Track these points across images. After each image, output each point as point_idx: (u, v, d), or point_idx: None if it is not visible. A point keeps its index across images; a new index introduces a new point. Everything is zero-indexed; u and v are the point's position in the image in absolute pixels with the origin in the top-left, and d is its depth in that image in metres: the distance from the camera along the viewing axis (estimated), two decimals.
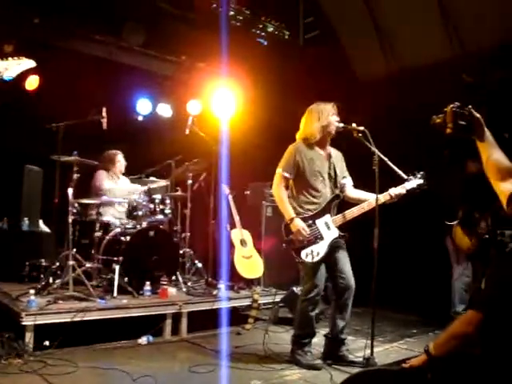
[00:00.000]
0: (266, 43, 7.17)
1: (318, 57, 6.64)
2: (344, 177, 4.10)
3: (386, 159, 3.80)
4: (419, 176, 3.92)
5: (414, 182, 3.90)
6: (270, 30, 7.15)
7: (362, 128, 3.82)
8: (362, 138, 3.81)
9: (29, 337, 3.85)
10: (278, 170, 3.97)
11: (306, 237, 3.77)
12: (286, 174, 3.93)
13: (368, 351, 3.65)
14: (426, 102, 4.24)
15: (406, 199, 3.92)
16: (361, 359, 3.79)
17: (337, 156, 4.11)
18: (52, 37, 6.03)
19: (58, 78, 6.00)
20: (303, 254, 3.79)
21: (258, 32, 7.10)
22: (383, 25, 6.30)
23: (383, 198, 3.83)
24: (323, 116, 3.94)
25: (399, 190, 3.86)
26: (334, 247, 3.88)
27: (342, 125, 3.93)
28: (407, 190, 3.87)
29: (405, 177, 3.83)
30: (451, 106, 2.00)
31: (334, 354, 3.94)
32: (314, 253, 3.78)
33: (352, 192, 4.07)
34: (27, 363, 3.63)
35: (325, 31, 6.82)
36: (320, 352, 4.05)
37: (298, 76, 6.86)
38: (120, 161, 5.87)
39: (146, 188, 5.52)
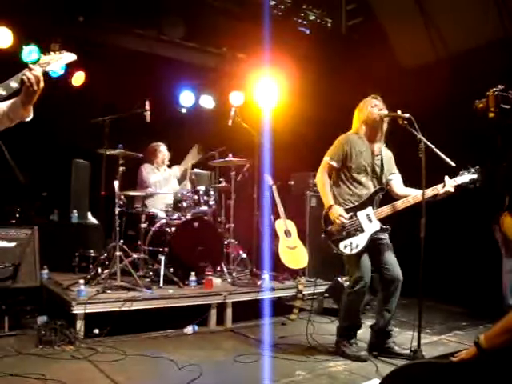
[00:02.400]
0: (308, 32, 7.07)
1: (361, 44, 6.50)
2: (392, 173, 4.01)
3: (432, 147, 3.68)
4: (473, 170, 3.79)
5: (466, 177, 3.77)
6: (312, 18, 7.03)
7: (407, 115, 3.71)
8: (407, 125, 3.70)
9: (79, 325, 3.99)
10: (326, 158, 3.93)
11: (345, 224, 3.72)
12: (333, 163, 3.88)
13: (415, 343, 3.56)
14: (475, 87, 4.07)
15: (456, 190, 3.79)
16: (407, 351, 3.72)
17: (387, 153, 4.04)
18: (96, 34, 6.16)
19: (103, 74, 6.14)
20: (341, 245, 3.75)
21: (300, 21, 6.99)
22: (429, 8, 6.08)
23: (431, 191, 3.72)
24: (362, 110, 3.93)
25: (450, 183, 3.73)
26: (375, 240, 3.81)
27: (385, 113, 3.84)
28: (458, 185, 3.75)
29: (452, 164, 3.69)
30: (493, 89, 1.90)
31: (379, 345, 3.88)
32: (352, 245, 3.72)
33: (400, 189, 3.98)
34: (78, 350, 3.77)
35: (368, 18, 6.66)
36: (366, 344, 4.00)
37: (340, 64, 6.75)
38: (162, 151, 5.96)
39: (183, 168, 5.54)
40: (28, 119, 2.32)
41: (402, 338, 4.19)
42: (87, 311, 4.03)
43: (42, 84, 2.20)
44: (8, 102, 2.22)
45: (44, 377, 3.17)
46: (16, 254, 4.31)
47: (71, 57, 2.48)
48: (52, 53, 2.39)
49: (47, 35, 5.77)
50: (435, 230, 3.97)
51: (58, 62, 2.37)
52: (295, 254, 5.56)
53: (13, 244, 4.34)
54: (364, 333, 4.09)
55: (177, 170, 6.00)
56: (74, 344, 3.85)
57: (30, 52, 5.83)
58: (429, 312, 5.12)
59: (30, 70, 2.16)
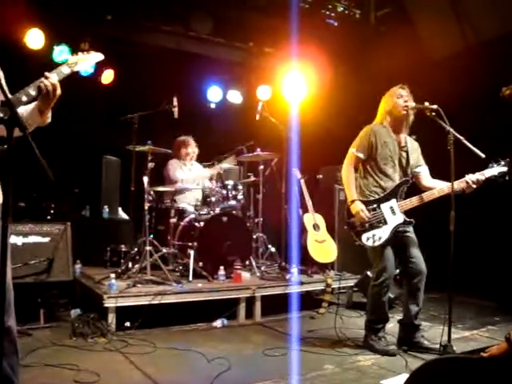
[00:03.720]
0: (336, 24, 7.00)
1: (389, 35, 6.40)
2: (419, 165, 3.95)
3: (462, 138, 3.61)
4: (503, 163, 3.70)
5: (495, 170, 3.69)
6: (340, 9, 6.95)
7: (435, 106, 3.64)
8: (435, 116, 3.63)
9: (111, 318, 4.08)
10: (352, 150, 3.90)
11: (365, 220, 3.69)
12: (359, 154, 3.85)
13: (445, 338, 3.51)
14: (507, 76, 3.97)
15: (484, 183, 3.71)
16: (437, 346, 3.66)
17: (412, 145, 3.98)
18: (124, 32, 6.25)
19: (131, 71, 6.24)
20: (364, 237, 3.72)
21: (328, 13, 6.93)
22: None
23: (458, 184, 3.65)
24: (388, 100, 3.89)
25: (477, 176, 3.66)
26: (399, 232, 3.77)
27: (412, 104, 3.79)
28: (487, 178, 3.67)
29: (482, 156, 3.61)
30: None
31: (408, 340, 3.84)
32: (375, 237, 3.69)
33: (427, 181, 3.92)
34: (110, 342, 3.85)
35: (396, 8, 6.54)
36: (395, 338, 3.96)
37: (369, 56, 6.67)
38: (190, 145, 5.98)
39: (213, 171, 5.59)
40: (45, 124, 2.37)
41: (433, 333, 4.14)
42: (118, 305, 4.12)
43: (58, 91, 2.24)
44: (27, 108, 2.28)
45: (78, 367, 3.26)
46: (50, 249, 4.43)
47: (99, 56, 2.52)
48: (80, 53, 2.43)
49: (77, 35, 5.92)
50: (465, 223, 3.90)
51: (85, 61, 2.42)
52: (324, 247, 5.54)
53: (47, 239, 4.47)
54: (394, 327, 4.06)
55: (207, 173, 5.96)
56: (106, 336, 3.94)
57: (60, 52, 5.96)
58: (460, 307, 5.05)
59: (47, 77, 2.21)
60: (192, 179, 5.83)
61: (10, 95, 2.18)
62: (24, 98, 2.14)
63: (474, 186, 3.69)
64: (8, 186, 1.83)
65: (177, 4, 6.11)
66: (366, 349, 3.83)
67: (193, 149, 6.00)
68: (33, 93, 2.17)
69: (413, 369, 2.12)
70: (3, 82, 2.25)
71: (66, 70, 2.32)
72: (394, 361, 3.61)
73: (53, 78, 2.21)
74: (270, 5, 6.41)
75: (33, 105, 2.28)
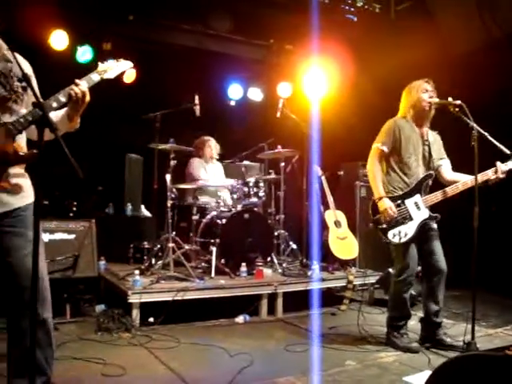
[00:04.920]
0: (355, 19, 6.96)
1: (410, 29, 6.34)
2: (441, 158, 3.92)
3: (486, 134, 3.57)
4: None
5: None
6: (360, 4, 6.90)
7: (458, 102, 3.61)
8: (459, 112, 3.60)
9: (135, 313, 4.16)
10: (376, 145, 3.87)
11: (393, 217, 3.68)
12: (384, 147, 3.81)
13: (469, 336, 3.49)
14: None
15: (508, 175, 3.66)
16: (461, 344, 3.63)
17: (434, 137, 3.94)
18: (145, 31, 6.31)
19: (153, 70, 6.30)
20: (390, 234, 3.71)
21: (348, 8, 6.89)
22: None
23: (481, 177, 3.61)
24: (412, 93, 3.84)
25: (500, 170, 3.62)
26: (424, 228, 3.74)
27: (436, 100, 3.76)
28: (510, 170, 3.63)
29: (508, 152, 3.58)
30: None
31: (431, 337, 3.82)
32: (401, 233, 3.68)
33: (449, 174, 3.88)
34: (135, 337, 3.93)
35: (416, 2, 6.47)
36: (417, 335, 3.95)
37: (390, 51, 6.61)
38: (211, 146, 6.04)
39: (235, 183, 5.60)
40: (74, 130, 2.43)
41: (456, 331, 4.10)
42: (142, 300, 4.19)
43: (87, 98, 2.28)
44: (58, 114, 2.34)
45: (104, 361, 3.34)
46: (75, 246, 4.53)
47: (128, 64, 2.56)
48: (110, 60, 2.48)
49: (99, 35, 6.00)
50: (489, 219, 3.87)
51: (114, 69, 2.47)
52: (345, 244, 5.55)
53: (72, 236, 4.57)
54: (416, 324, 4.05)
55: (226, 183, 5.99)
56: (131, 331, 4.02)
57: (83, 52, 6.06)
58: (484, 304, 4.97)
59: (77, 85, 2.25)
60: (213, 174, 5.90)
61: (40, 98, 2.24)
62: (54, 104, 2.20)
63: (501, 176, 3.63)
64: (39, 185, 1.88)
65: (197, 3, 6.15)
66: (388, 345, 3.82)
67: (212, 148, 6.04)
68: (63, 99, 2.22)
69: (435, 366, 2.12)
70: (35, 84, 2.32)
71: (95, 78, 2.37)
72: (417, 358, 3.59)
73: (83, 86, 2.26)
74: (289, 1, 6.40)
75: (62, 111, 2.33)
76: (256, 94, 7.73)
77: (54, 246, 4.38)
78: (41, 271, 2.05)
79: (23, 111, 2.19)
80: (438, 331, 3.82)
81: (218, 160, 6.18)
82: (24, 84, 2.15)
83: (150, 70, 6.29)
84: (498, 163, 3.64)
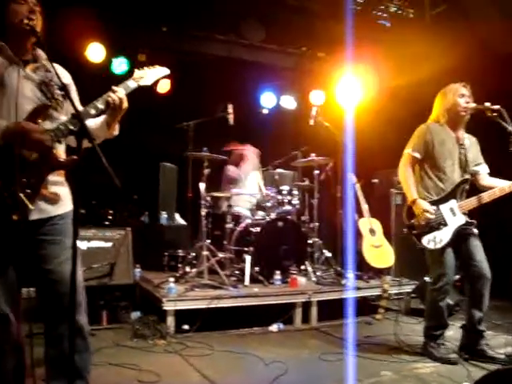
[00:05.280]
0: (388, 25, 6.90)
1: (446, 33, 6.24)
2: (478, 164, 3.82)
3: None
4: None
5: None
6: (393, 9, 6.84)
7: (496, 106, 3.53)
8: (497, 117, 3.51)
9: (170, 320, 4.19)
10: (407, 150, 3.81)
11: (430, 219, 3.59)
12: (416, 154, 3.76)
13: (510, 348, 3.37)
14: None
15: None
16: (502, 356, 3.52)
17: (471, 141, 3.85)
18: (178, 42, 6.43)
19: (186, 80, 6.39)
20: (425, 240, 3.62)
21: (380, 14, 6.84)
22: None
23: None
24: (448, 97, 3.75)
25: None
26: (460, 234, 3.64)
27: (473, 105, 3.67)
28: None
29: None
30: None
31: (471, 347, 3.69)
32: (436, 239, 3.59)
33: (486, 180, 3.79)
34: (169, 344, 3.96)
35: (452, 5, 6.36)
36: (455, 346, 3.84)
37: (426, 56, 6.52)
38: (247, 155, 6.08)
39: (269, 191, 5.60)
40: (113, 136, 2.48)
41: (496, 342, 3.97)
42: (177, 308, 4.23)
43: (125, 105, 2.33)
44: (96, 121, 2.39)
45: (139, 367, 3.38)
46: (112, 254, 4.61)
47: (164, 71, 2.59)
48: (146, 68, 2.52)
49: (134, 47, 6.13)
50: None
51: (151, 76, 2.50)
52: (380, 252, 5.46)
53: (109, 244, 4.65)
54: (454, 334, 3.95)
55: (256, 176, 6.06)
56: (166, 338, 4.05)
57: (119, 64, 6.20)
58: None
59: (114, 92, 2.30)
60: (247, 180, 5.92)
61: (79, 106, 2.31)
62: (92, 111, 2.25)
63: None
64: (77, 194, 1.93)
65: (229, 13, 6.22)
66: (425, 356, 3.73)
67: (249, 157, 6.08)
68: (101, 106, 2.27)
69: (475, 379, 2.06)
70: (75, 93, 2.39)
71: (132, 85, 2.41)
72: (455, 370, 3.49)
73: (120, 92, 2.31)
74: (321, 8, 6.40)
75: (101, 118, 2.39)
76: (289, 102, 7.74)
77: (91, 254, 4.47)
78: (79, 279, 2.10)
79: (63, 118, 2.26)
80: (480, 341, 3.68)
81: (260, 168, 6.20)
82: (63, 92, 2.21)
83: (184, 79, 6.38)
84: None
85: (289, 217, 5.50)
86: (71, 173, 2.21)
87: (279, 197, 5.50)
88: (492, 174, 3.85)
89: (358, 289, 5.07)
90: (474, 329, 3.69)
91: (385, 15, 6.77)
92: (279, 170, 6.18)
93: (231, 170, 5.96)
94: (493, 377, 2.01)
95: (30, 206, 2.14)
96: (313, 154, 5.75)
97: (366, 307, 5.18)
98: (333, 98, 7.39)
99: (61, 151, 2.30)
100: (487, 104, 3.58)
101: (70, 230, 2.23)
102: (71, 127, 2.15)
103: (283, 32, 6.62)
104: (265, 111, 7.70)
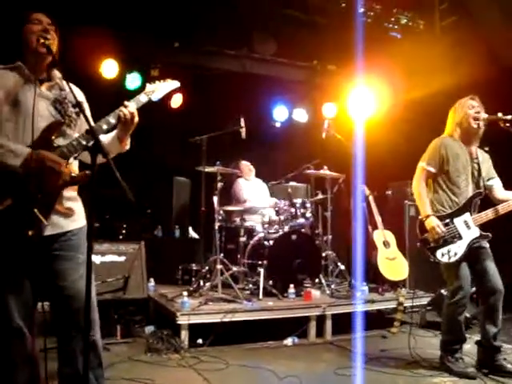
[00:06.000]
0: (399, 36, 6.91)
1: (457, 44, 6.23)
2: (491, 178, 3.81)
3: None
4: None
5: None
6: (404, 21, 6.85)
7: (509, 117, 3.51)
8: (510, 127, 3.49)
9: (184, 334, 4.19)
10: (421, 164, 3.81)
11: (441, 235, 3.58)
12: (430, 168, 3.75)
13: None
14: None
15: None
16: None
17: (483, 156, 3.85)
18: (190, 57, 6.50)
19: (199, 95, 6.45)
20: (439, 253, 3.60)
21: (391, 26, 6.85)
22: None
23: None
24: (458, 111, 3.76)
25: None
26: (474, 248, 3.62)
27: (484, 115, 3.66)
28: None
29: None
30: None
31: (488, 362, 3.63)
32: (450, 253, 3.56)
33: (501, 193, 3.77)
34: (183, 358, 3.95)
35: (463, 16, 6.36)
36: (473, 360, 3.78)
37: (437, 68, 6.51)
38: (243, 168, 6.12)
39: (282, 204, 5.59)
40: (125, 150, 2.50)
41: None
42: (191, 322, 4.22)
43: (136, 119, 2.35)
44: (108, 136, 2.42)
45: (153, 382, 3.37)
46: (126, 268, 4.63)
47: (175, 84, 2.62)
48: (157, 81, 2.55)
49: (147, 63, 6.22)
50: None
51: (162, 89, 2.53)
52: (395, 265, 5.42)
53: (123, 258, 4.67)
54: (472, 348, 3.88)
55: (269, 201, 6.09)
56: (180, 352, 4.05)
57: (132, 80, 6.29)
58: None
59: (126, 106, 2.32)
60: (257, 191, 5.93)
61: (92, 123, 2.34)
62: (105, 126, 2.28)
63: None
64: (91, 209, 1.95)
65: (240, 27, 6.28)
66: (442, 370, 3.67)
67: (249, 170, 6.12)
68: (113, 121, 2.30)
69: None
70: (88, 111, 2.42)
71: (143, 99, 2.44)
72: None
73: (131, 107, 2.34)
74: (332, 21, 6.43)
75: (113, 133, 2.41)
76: (301, 115, 7.76)
77: (105, 268, 4.49)
78: (92, 294, 2.11)
79: (76, 135, 2.29)
80: (496, 356, 3.62)
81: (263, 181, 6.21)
82: (77, 110, 2.24)
83: (196, 94, 6.44)
84: None
85: (302, 230, 5.49)
86: (85, 188, 2.23)
87: (292, 210, 5.49)
88: (506, 186, 3.82)
89: (373, 302, 5.03)
90: (489, 344, 3.63)
91: (396, 27, 6.78)
92: (292, 183, 6.18)
93: (239, 186, 5.97)
94: None
95: (45, 222, 2.16)
96: (325, 167, 5.75)
97: (380, 320, 5.13)
98: (344, 110, 7.40)
99: (75, 167, 2.33)
100: (500, 114, 3.57)
101: (83, 245, 2.25)
102: (84, 142, 2.18)
103: (294, 46, 6.66)
104: (277, 124, 7.72)
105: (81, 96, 2.45)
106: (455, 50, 6.11)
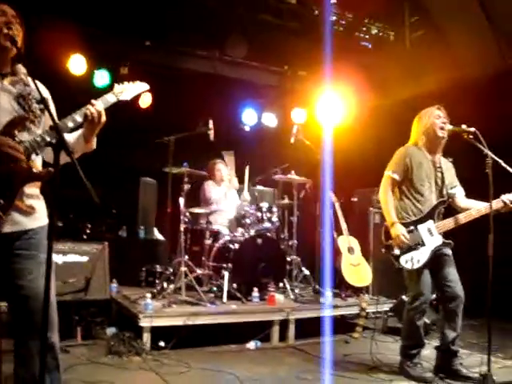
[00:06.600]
0: (370, 46, 7.03)
1: (425, 57, 6.38)
2: (454, 186, 3.91)
3: (500, 161, 3.54)
4: None
5: None
6: (374, 32, 6.98)
7: (472, 129, 3.60)
8: (472, 139, 3.59)
9: (146, 337, 4.13)
10: (387, 173, 3.89)
11: (406, 243, 3.65)
12: (395, 176, 3.83)
13: (485, 367, 3.40)
14: None
15: None
16: (477, 375, 3.54)
17: (447, 165, 3.95)
18: (161, 57, 6.45)
19: (168, 95, 6.40)
20: (403, 260, 3.67)
21: (362, 35, 6.97)
22: (496, 16, 5.86)
23: (495, 204, 3.58)
24: (423, 120, 3.84)
25: (509, 199, 3.59)
26: (437, 255, 3.70)
27: (449, 127, 3.75)
28: None
29: None
30: None
31: (446, 367, 3.72)
32: (414, 259, 3.64)
33: (463, 201, 3.87)
34: (145, 361, 3.90)
35: (431, 29, 6.52)
36: (432, 365, 3.86)
37: (405, 78, 6.65)
38: (219, 169, 6.05)
39: (248, 208, 5.60)
40: (90, 150, 2.45)
41: (472, 361, 4.00)
42: (153, 324, 4.17)
43: (103, 119, 2.31)
44: (74, 135, 2.37)
45: None
46: (88, 268, 4.54)
47: (144, 86, 2.59)
48: (126, 82, 2.51)
49: (116, 60, 6.13)
50: (505, 247, 3.81)
51: (130, 91, 2.50)
52: (358, 271, 5.49)
53: (86, 258, 4.58)
54: (430, 354, 3.96)
55: (235, 182, 6.06)
56: (141, 355, 3.99)
57: (101, 77, 6.19)
58: (503, 335, 4.87)
59: (93, 105, 2.29)
60: (225, 196, 5.89)
61: (57, 120, 2.28)
62: (70, 124, 2.23)
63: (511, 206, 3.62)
64: (53, 207, 1.90)
65: (212, 29, 6.27)
66: (401, 375, 3.74)
67: (221, 172, 6.05)
68: (79, 119, 2.26)
69: None
70: (53, 108, 2.36)
71: (111, 99, 2.40)
72: None
73: (98, 106, 2.29)
74: (304, 28, 6.49)
75: (79, 131, 2.37)
76: (270, 120, 7.79)
77: (67, 268, 4.39)
78: (52, 294, 2.05)
79: (40, 132, 2.23)
80: (453, 360, 3.72)
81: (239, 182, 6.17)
82: (42, 106, 2.19)
83: (166, 94, 6.38)
84: (504, 196, 3.62)
85: (268, 234, 5.49)
86: (47, 185, 2.18)
87: (258, 214, 5.50)
88: (468, 195, 3.92)
89: (336, 307, 5.08)
90: (447, 349, 3.72)
91: (367, 37, 6.89)
92: (259, 187, 6.19)
93: (208, 188, 5.92)
94: None
95: (3, 216, 2.10)
96: (293, 172, 5.78)
97: (343, 325, 5.18)
98: (314, 116, 7.47)
99: (38, 163, 2.27)
100: (463, 126, 3.66)
101: (45, 244, 2.19)
102: (48, 139, 2.13)
103: (266, 50, 6.70)
104: (246, 128, 7.72)
105: (46, 93, 2.39)
106: (423, 62, 6.26)
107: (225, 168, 6.08)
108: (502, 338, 4.79)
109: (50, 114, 2.02)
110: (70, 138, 2.35)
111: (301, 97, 7.62)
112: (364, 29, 6.92)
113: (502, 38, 5.95)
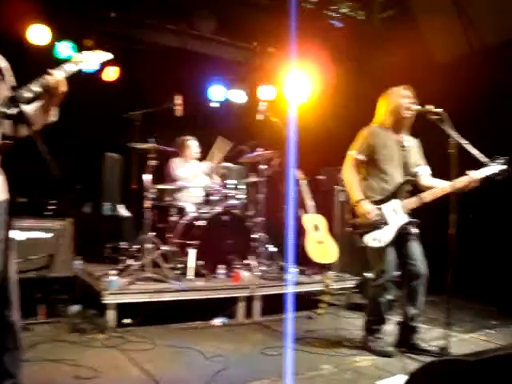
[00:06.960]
0: (339, 25, 7.01)
1: (393, 37, 6.41)
2: (419, 165, 3.95)
3: (463, 142, 3.61)
4: (501, 161, 3.70)
5: (494, 168, 3.68)
6: (344, 10, 6.96)
7: (438, 110, 3.65)
8: (438, 120, 3.63)
9: (110, 314, 4.10)
10: (351, 153, 3.90)
11: (372, 220, 3.69)
12: (359, 156, 3.85)
13: (443, 341, 3.52)
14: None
15: (489, 185, 3.71)
16: (435, 348, 3.68)
17: (412, 143, 3.97)
18: (128, 29, 6.28)
19: (134, 69, 6.27)
20: (367, 238, 3.72)
21: (332, 14, 6.93)
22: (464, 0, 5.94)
23: (459, 183, 3.65)
24: (390, 100, 3.85)
25: (476, 174, 3.66)
26: (402, 233, 3.76)
27: (416, 107, 3.78)
28: (487, 176, 3.67)
29: (484, 160, 3.63)
30: None
31: (406, 341, 3.84)
32: (378, 238, 3.70)
33: (427, 180, 3.91)
34: (109, 338, 3.87)
35: (400, 11, 6.55)
36: (393, 340, 3.97)
37: (372, 58, 6.68)
38: (190, 146, 5.97)
39: (210, 164, 5.59)
40: (50, 122, 2.36)
41: (431, 336, 4.15)
42: (118, 301, 4.14)
43: (63, 88, 2.23)
44: (33, 106, 2.28)
45: (77, 363, 3.28)
46: (52, 245, 4.43)
47: (107, 56, 2.51)
48: (86, 51, 2.42)
49: (81, 32, 5.94)
50: (466, 226, 3.91)
51: (93, 60, 2.41)
52: (324, 248, 5.55)
53: (49, 235, 4.46)
54: (393, 329, 4.07)
55: (204, 166, 5.97)
56: (105, 333, 3.96)
57: (64, 48, 5.99)
58: (459, 310, 5.06)
59: (50, 74, 2.20)
60: (193, 174, 5.82)
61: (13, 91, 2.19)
62: (27, 94, 2.15)
63: (476, 184, 3.68)
64: (12, 182, 1.84)
65: (181, 2, 6.13)
66: (363, 350, 3.84)
67: (192, 148, 5.97)
68: (35, 89, 2.17)
69: (410, 370, 2.13)
70: (11, 78, 2.26)
71: (70, 68, 2.31)
72: (392, 362, 3.61)
73: (56, 75, 2.21)
74: (273, 4, 6.42)
75: (38, 102, 2.28)
76: (238, 96, 7.73)
77: (30, 245, 4.28)
78: (8, 271, 2.00)
79: None
80: (413, 336, 3.84)
81: (199, 160, 6.10)
82: None
83: (132, 68, 6.26)
84: (471, 172, 3.68)
85: (234, 211, 5.49)
86: (5, 159, 2.10)
87: (225, 191, 5.48)
88: (435, 175, 3.97)
89: (301, 284, 5.15)
90: (408, 325, 3.84)
91: (336, 15, 6.87)
92: (226, 164, 6.14)
93: (174, 166, 5.83)
94: (427, 368, 2.08)
95: None
96: (260, 149, 5.76)
97: (308, 302, 5.25)
98: (282, 93, 7.44)
99: None
100: (430, 107, 3.70)
101: (4, 220, 2.13)
102: (5, 110, 2.04)
103: (235, 26, 6.61)
104: (214, 104, 7.64)
105: (3, 62, 2.29)
106: (392, 42, 6.29)
107: (196, 146, 6.00)
108: (459, 313, 4.98)
109: (7, 84, 1.93)
110: (28, 109, 2.27)
111: (269, 73, 7.57)
112: (334, 7, 6.88)
113: (469, 23, 6.03)
